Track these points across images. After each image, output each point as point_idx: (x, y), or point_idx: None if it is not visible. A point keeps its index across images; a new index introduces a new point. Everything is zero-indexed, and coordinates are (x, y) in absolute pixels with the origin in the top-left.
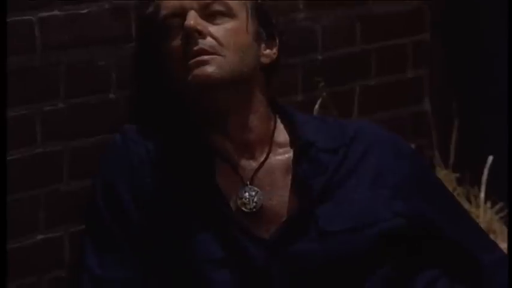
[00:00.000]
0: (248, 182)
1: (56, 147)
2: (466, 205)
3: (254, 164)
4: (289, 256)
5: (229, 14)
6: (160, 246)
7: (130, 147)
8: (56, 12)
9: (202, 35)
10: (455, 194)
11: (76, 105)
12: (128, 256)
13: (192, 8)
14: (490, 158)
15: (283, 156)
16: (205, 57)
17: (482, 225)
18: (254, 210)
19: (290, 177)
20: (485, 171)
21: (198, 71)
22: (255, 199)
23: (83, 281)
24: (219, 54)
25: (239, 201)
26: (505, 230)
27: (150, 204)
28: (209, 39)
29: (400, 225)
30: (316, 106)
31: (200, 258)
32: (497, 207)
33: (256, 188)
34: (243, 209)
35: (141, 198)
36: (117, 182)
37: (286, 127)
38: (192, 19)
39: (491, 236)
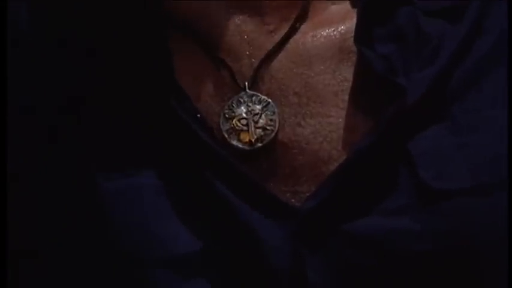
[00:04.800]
0: (247, 83)
1: None
2: None
3: (267, 42)
4: (349, 246)
5: None
6: (63, 224)
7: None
8: None
9: None
10: None
11: None
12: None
13: None
14: None
15: (334, 26)
16: None
17: None
18: (260, 145)
19: (351, 70)
20: None
21: None
22: (263, 119)
23: None
24: None
25: (226, 126)
26: None
27: (39, 132)
28: None
29: None
30: None
31: (152, 254)
32: None
33: (265, 97)
34: (234, 143)
35: (20, 118)
36: None
37: None
38: None
39: None
